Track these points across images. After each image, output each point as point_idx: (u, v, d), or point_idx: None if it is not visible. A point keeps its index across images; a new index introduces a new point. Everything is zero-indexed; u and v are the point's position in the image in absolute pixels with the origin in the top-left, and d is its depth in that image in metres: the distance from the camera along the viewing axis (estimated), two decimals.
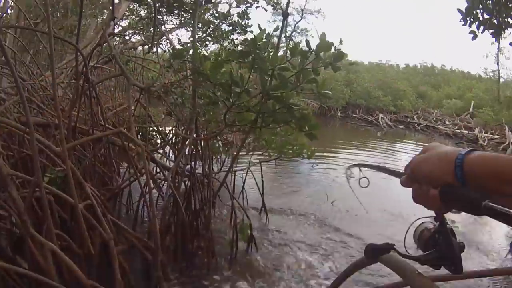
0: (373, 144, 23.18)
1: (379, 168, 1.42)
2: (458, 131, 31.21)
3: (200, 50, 7.59)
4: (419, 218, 1.25)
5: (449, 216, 1.01)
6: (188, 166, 5.96)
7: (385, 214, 9.06)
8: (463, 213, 0.87)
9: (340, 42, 3.07)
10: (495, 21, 5.22)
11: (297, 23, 37.63)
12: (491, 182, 0.76)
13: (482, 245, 7.91)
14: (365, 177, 1.70)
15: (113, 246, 3.81)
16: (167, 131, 9.77)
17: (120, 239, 4.66)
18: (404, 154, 21.13)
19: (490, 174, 0.76)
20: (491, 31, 5.33)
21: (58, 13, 10.48)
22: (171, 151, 8.75)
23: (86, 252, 3.86)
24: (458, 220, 8.55)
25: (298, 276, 5.89)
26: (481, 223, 9.18)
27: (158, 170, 6.51)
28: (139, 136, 8.64)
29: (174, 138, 7.94)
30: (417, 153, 0.98)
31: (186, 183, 6.08)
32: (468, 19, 5.33)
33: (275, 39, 5.18)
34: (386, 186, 10.31)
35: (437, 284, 1.26)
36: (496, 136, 27.40)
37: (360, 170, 1.72)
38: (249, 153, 7.18)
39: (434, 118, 36.54)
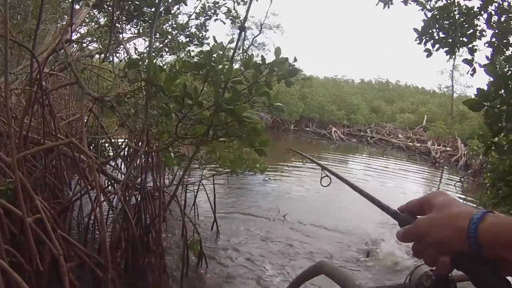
0: (326, 156, 23.52)
1: (362, 193, 1.37)
2: (411, 144, 32.24)
3: (156, 60, 7.49)
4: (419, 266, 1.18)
5: None
6: (140, 180, 5.83)
7: (339, 227, 9.16)
8: None
9: (295, 60, 3.09)
10: (450, 40, 5.42)
11: (255, 37, 38.20)
12: (509, 253, 0.70)
13: None
14: (327, 176, 1.71)
15: (63, 263, 3.66)
16: (120, 143, 9.58)
17: (70, 255, 4.50)
18: (357, 164, 21.66)
19: (508, 245, 0.69)
20: (445, 49, 5.53)
21: (18, 16, 10.04)
22: (123, 163, 8.57)
23: (35, 268, 3.69)
24: None
25: None
26: None
27: (109, 183, 6.34)
28: (91, 147, 8.41)
29: (126, 150, 7.77)
30: (414, 198, 0.92)
31: (137, 196, 5.94)
32: (423, 37, 5.52)
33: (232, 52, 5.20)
34: (342, 199, 10.58)
35: None
36: (448, 149, 28.34)
37: (322, 170, 1.72)
38: (202, 167, 7.11)
39: (387, 132, 37.44)
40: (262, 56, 3.32)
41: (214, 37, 3.83)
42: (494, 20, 5.05)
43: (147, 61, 4.27)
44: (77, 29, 9.47)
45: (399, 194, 15.63)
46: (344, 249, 7.87)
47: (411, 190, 17.00)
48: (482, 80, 3.43)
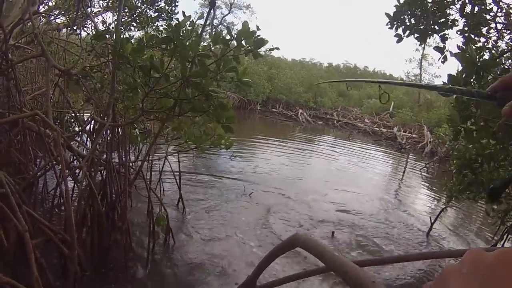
0: (291, 139, 23.64)
1: None
2: (377, 129, 32.81)
3: (123, 34, 7.35)
4: None
5: None
6: (105, 155, 5.75)
7: (306, 206, 9.35)
8: None
9: (258, 28, 3.09)
10: (421, 27, 5.50)
11: (224, 16, 37.84)
12: None
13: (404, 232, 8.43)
14: (386, 92, 1.70)
15: (29, 240, 3.59)
16: (86, 118, 9.40)
17: (36, 231, 4.41)
18: (324, 143, 21.93)
19: None
20: (416, 35, 5.61)
21: None
22: (89, 139, 8.43)
23: (0, 245, 3.62)
24: None
25: (216, 266, 5.91)
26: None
27: (75, 159, 6.23)
28: (57, 122, 8.23)
29: (92, 125, 7.62)
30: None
31: (103, 172, 5.87)
32: (395, 23, 5.57)
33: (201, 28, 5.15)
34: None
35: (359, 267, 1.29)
36: (414, 135, 28.95)
37: (379, 86, 1.71)
38: (167, 143, 7.08)
39: (354, 116, 37.98)
40: (227, 27, 3.31)
41: (183, 12, 3.78)
42: (467, 10, 5.15)
43: (114, 34, 4.20)
44: (44, 1, 9.18)
45: (366, 172, 16.01)
46: (309, 230, 8.03)
47: (379, 169, 17.44)
48: (450, 71, 3.53)
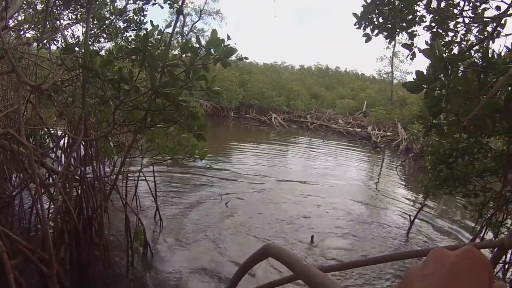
0: (268, 142, 23.79)
1: None
2: (351, 129, 33.13)
3: (92, 46, 7.28)
4: None
5: None
6: (79, 170, 5.68)
7: (282, 215, 9.36)
8: None
9: (228, 38, 3.10)
10: (389, 25, 5.56)
11: (194, 23, 37.68)
12: None
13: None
14: None
15: (7, 260, 3.54)
16: (59, 134, 9.25)
17: (14, 251, 4.33)
18: (300, 148, 22.00)
19: None
20: (385, 34, 5.67)
21: None
22: (63, 155, 8.30)
23: None
24: None
25: (196, 277, 5.88)
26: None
27: (49, 176, 6.13)
28: (30, 139, 8.08)
29: (66, 141, 7.51)
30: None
31: (78, 188, 5.79)
32: (363, 22, 5.62)
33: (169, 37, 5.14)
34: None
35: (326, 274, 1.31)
36: (389, 134, 29.28)
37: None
38: (142, 155, 7.01)
39: (328, 117, 38.12)
40: (197, 36, 3.32)
41: (151, 22, 3.77)
42: (434, 6, 5.21)
43: (83, 46, 4.16)
44: (14, 15, 9.03)
45: (343, 172, 16.14)
46: (289, 235, 8.03)
47: (355, 169, 17.60)
48: (421, 67, 3.57)
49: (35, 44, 10.76)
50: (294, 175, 14.26)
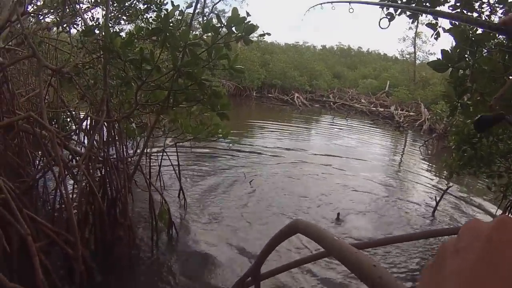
0: (288, 122, 23.52)
1: None
2: (374, 108, 32.73)
3: (113, 28, 7.26)
4: None
5: None
6: (103, 152, 5.70)
7: (306, 193, 9.32)
8: None
9: (248, 14, 3.03)
10: (413, 4, 5.41)
11: (215, 4, 37.35)
12: None
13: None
14: (386, 17, 1.66)
15: (32, 243, 3.58)
16: (82, 117, 9.32)
17: (38, 234, 4.39)
18: (324, 124, 21.86)
19: None
20: (408, 13, 5.53)
21: None
22: (86, 137, 8.37)
23: (3, 251, 3.60)
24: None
25: (222, 255, 5.89)
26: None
27: (73, 158, 6.18)
28: (52, 122, 8.17)
29: (88, 123, 7.55)
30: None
31: (101, 169, 5.83)
32: (386, 1, 5.49)
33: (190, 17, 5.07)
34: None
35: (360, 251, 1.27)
36: (412, 113, 28.82)
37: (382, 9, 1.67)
38: (165, 135, 7.01)
39: (350, 97, 37.77)
40: (217, 15, 3.26)
41: (172, 2, 3.71)
42: None
43: (103, 28, 4.13)
44: (33, 1, 9.06)
45: (367, 151, 16.02)
46: (313, 212, 8.01)
47: (378, 148, 17.46)
48: (443, 48, 3.46)
49: (55, 28, 10.82)
50: (318, 152, 14.22)
